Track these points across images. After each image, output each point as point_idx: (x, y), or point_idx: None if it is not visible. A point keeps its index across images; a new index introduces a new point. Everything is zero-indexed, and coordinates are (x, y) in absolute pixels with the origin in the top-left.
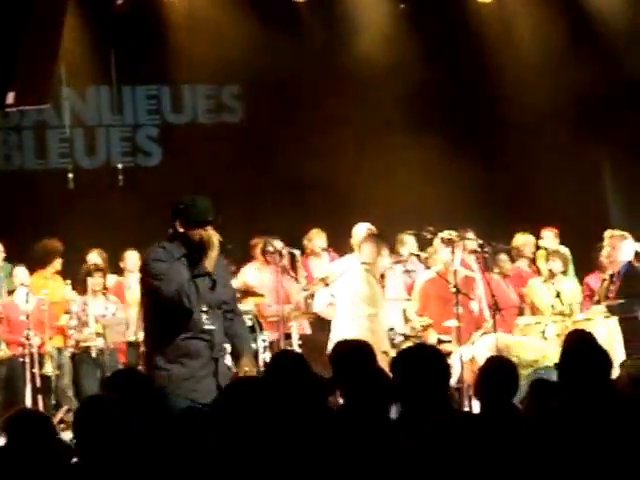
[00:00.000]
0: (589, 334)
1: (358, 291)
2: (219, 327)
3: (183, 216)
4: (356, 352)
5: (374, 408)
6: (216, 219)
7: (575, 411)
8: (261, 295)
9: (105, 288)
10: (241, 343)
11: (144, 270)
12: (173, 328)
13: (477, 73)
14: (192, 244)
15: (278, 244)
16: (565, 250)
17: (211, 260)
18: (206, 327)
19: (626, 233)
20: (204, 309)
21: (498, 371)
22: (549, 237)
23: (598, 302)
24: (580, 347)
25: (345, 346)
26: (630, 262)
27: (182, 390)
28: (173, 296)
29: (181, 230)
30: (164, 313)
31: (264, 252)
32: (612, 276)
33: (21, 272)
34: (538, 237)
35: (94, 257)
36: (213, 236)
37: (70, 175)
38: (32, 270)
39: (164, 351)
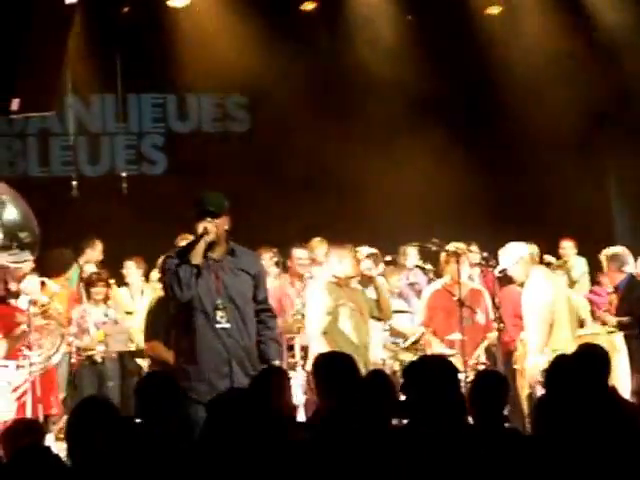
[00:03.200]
0: (601, 349)
1: None
2: (238, 326)
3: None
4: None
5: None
6: (220, 212)
7: (581, 427)
8: None
9: (107, 298)
10: (266, 349)
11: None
12: (188, 325)
13: (485, 83)
14: (196, 236)
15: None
16: (581, 260)
17: (196, 249)
18: (218, 325)
19: (623, 251)
20: (219, 306)
21: (489, 384)
22: (569, 247)
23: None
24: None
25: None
26: (631, 274)
27: (196, 393)
28: (168, 283)
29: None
30: (179, 309)
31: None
32: (616, 288)
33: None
34: (557, 247)
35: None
36: (201, 227)
37: (74, 183)
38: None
39: (181, 349)
